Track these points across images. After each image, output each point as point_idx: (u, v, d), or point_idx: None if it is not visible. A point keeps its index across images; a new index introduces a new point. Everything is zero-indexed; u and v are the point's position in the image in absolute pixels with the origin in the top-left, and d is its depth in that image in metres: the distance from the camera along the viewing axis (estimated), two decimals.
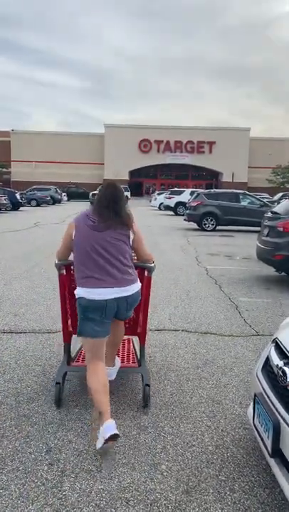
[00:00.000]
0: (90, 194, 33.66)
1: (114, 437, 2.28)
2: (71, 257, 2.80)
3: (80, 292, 2.57)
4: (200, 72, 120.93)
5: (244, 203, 16.08)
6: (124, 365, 3.14)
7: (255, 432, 2.11)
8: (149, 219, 20.84)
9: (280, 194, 26.32)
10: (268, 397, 2.00)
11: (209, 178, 57.58)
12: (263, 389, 2.08)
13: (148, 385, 2.89)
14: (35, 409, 2.82)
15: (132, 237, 2.70)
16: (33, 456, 2.32)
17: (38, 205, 31.81)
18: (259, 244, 7.27)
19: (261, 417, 2.00)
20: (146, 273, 3.02)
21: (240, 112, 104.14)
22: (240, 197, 16.20)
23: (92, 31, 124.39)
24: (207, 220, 15.94)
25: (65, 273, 2.93)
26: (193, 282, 6.84)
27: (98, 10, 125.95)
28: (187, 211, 16.73)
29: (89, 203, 31.54)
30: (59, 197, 35.31)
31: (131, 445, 2.46)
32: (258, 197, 17.12)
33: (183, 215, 24.63)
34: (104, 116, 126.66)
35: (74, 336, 3.03)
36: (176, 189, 29.08)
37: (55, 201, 34.58)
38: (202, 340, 4.20)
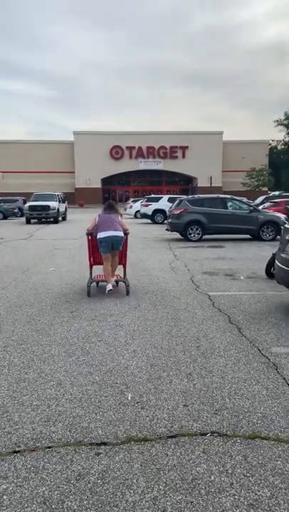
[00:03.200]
0: (27, 206, 24.51)
1: (110, 291, 6.27)
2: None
3: (99, 235, 6.38)
4: (166, 80, 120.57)
5: (231, 208, 14.54)
6: (117, 279, 6.75)
7: None
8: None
9: (262, 197, 25.13)
10: None
11: (183, 183, 56.47)
12: None
13: (128, 286, 6.48)
14: None
15: (120, 218, 6.64)
16: None
17: (4, 217, 29.38)
18: (280, 265, 5.59)
19: None
20: (125, 236, 6.65)
21: (208, 118, 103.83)
22: (228, 202, 14.65)
23: (55, 40, 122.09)
24: (192, 229, 14.26)
25: (90, 237, 6.63)
26: (200, 321, 5.08)
27: (61, 18, 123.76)
28: (169, 220, 15.02)
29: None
30: None
31: None
32: (245, 201, 15.61)
33: (161, 223, 22.98)
34: (73, 125, 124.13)
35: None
36: (153, 196, 27.43)
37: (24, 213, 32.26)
38: (253, 459, 2.41)
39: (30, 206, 24.41)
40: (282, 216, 14.65)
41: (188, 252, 11.51)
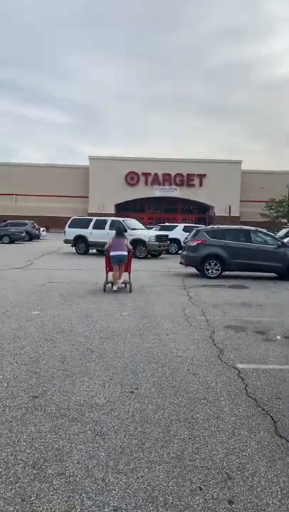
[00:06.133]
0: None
1: (116, 290, 9.56)
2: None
3: (112, 253, 9.79)
4: (186, 111, 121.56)
5: (256, 242, 12.73)
6: (123, 281, 9.73)
7: None
8: (135, 260, 15.53)
9: (285, 230, 23.22)
10: None
11: (199, 211, 54.95)
12: None
13: (131, 285, 9.57)
14: None
15: (126, 241, 10.15)
16: None
17: (11, 241, 27.99)
18: None
19: None
20: (129, 254, 10.08)
21: (223, 149, 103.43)
22: (252, 235, 12.85)
23: (81, 70, 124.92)
24: (210, 264, 12.44)
25: (108, 254, 9.90)
26: (230, 429, 3.20)
27: (86, 50, 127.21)
28: (184, 252, 13.24)
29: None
30: (36, 232, 31.74)
31: None
32: (273, 235, 13.78)
33: (175, 253, 21.21)
34: (93, 152, 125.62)
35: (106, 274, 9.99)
36: (167, 224, 25.80)
37: (33, 237, 31.00)
38: None
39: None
40: None
41: (206, 294, 9.66)
